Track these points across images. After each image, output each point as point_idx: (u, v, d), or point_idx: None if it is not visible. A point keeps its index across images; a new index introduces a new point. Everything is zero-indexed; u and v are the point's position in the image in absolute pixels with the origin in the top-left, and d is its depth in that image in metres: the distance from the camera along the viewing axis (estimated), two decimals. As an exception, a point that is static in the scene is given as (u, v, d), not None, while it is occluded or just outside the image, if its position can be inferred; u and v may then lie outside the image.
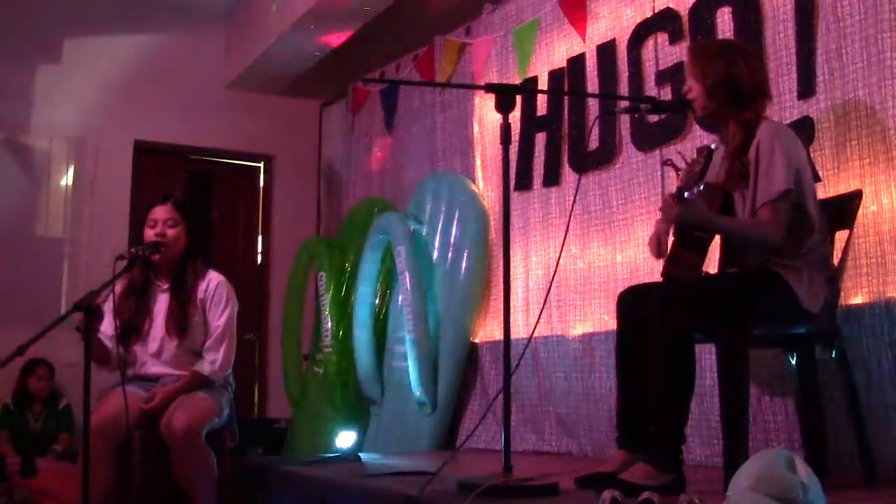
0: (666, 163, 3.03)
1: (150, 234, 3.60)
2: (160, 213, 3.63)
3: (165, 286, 3.64)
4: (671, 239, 2.82)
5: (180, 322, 3.56)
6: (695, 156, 2.90)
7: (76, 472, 3.14)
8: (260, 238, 7.12)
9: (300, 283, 6.06)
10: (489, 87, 2.74)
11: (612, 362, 2.89)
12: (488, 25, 5.06)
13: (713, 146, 2.88)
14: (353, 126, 6.40)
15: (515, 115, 4.60)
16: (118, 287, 3.57)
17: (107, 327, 3.50)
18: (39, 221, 6.33)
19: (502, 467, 2.55)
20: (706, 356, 3.21)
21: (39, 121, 6.26)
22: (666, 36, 3.91)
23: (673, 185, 2.75)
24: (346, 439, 4.09)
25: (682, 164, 2.84)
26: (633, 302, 2.81)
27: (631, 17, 4.12)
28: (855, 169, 3.09)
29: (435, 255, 5.01)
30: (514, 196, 4.62)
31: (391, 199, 5.79)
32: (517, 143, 4.64)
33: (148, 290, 3.63)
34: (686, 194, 2.62)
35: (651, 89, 3.95)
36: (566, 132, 4.44)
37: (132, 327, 3.57)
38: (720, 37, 3.65)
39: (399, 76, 5.77)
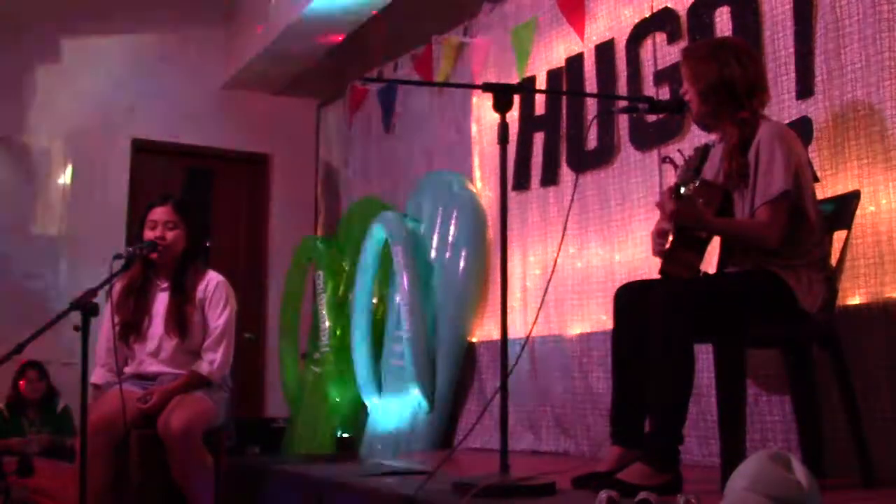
0: (664, 160, 3.03)
1: (149, 235, 3.58)
2: (160, 214, 3.60)
3: (165, 285, 3.63)
4: (670, 237, 2.81)
5: (179, 321, 3.55)
6: (692, 153, 2.91)
7: (73, 472, 3.13)
8: (258, 237, 7.11)
9: (298, 282, 6.06)
10: (486, 87, 2.73)
11: (609, 362, 2.88)
12: (487, 25, 5.06)
13: (711, 143, 2.88)
14: (351, 125, 6.40)
15: (513, 115, 4.61)
16: (118, 286, 3.57)
17: (106, 331, 3.50)
18: (37, 220, 6.34)
19: (499, 467, 2.55)
20: (703, 355, 3.20)
21: (38, 120, 6.27)
22: (664, 36, 3.91)
23: (671, 183, 2.75)
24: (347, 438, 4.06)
25: (680, 161, 2.84)
26: (630, 297, 2.80)
27: (629, 17, 4.12)
28: (853, 169, 3.08)
29: (432, 254, 5.00)
30: (512, 196, 4.61)
31: (389, 199, 5.78)
32: (515, 143, 4.63)
33: (147, 289, 3.62)
34: (682, 190, 2.62)
35: (649, 89, 3.95)
36: (564, 132, 4.43)
37: (131, 326, 3.56)
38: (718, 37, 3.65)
39: (397, 76, 5.76)
